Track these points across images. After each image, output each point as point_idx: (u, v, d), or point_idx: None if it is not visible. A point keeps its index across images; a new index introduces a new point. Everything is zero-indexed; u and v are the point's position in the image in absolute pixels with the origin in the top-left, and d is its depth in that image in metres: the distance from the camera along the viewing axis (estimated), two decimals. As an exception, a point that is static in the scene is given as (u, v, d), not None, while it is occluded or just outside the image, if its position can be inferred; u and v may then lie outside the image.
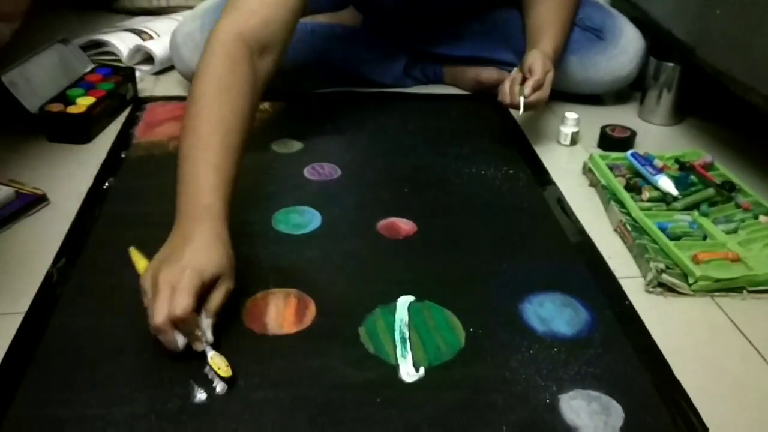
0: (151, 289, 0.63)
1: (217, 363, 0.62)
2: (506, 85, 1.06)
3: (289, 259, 0.80)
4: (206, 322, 0.64)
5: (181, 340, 0.62)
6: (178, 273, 0.62)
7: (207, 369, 0.63)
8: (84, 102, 1.10)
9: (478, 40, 1.28)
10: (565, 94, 1.28)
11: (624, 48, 1.22)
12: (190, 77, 1.24)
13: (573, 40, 1.21)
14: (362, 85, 1.31)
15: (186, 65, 1.23)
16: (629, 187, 0.94)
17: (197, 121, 0.75)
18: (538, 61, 1.04)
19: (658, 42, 1.22)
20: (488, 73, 1.29)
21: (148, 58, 1.38)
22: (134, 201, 0.91)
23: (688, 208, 0.90)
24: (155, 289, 0.62)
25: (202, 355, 0.63)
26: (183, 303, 0.61)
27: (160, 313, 0.60)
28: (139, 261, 0.72)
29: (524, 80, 1.04)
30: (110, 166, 1.01)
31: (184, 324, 0.61)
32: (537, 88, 1.03)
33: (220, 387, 0.61)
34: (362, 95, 1.29)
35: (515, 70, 1.09)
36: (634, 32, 1.23)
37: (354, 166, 1.03)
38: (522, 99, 1.02)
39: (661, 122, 1.23)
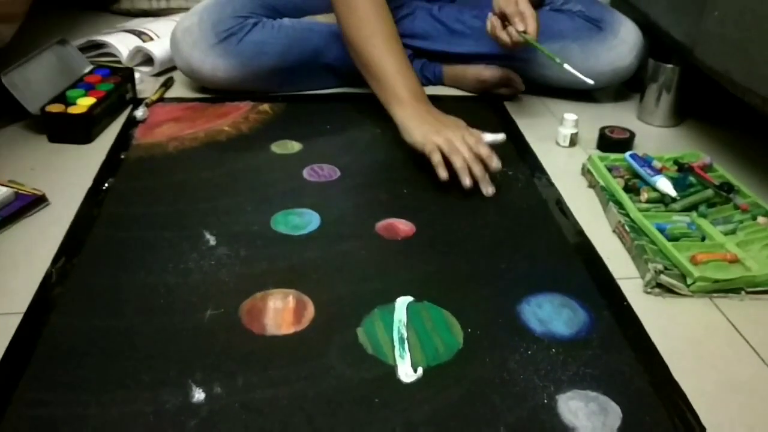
0: (449, 148, 0.93)
1: None
2: (498, 33, 1.09)
3: (288, 260, 0.80)
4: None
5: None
6: (465, 133, 0.97)
7: None
8: (84, 102, 1.10)
9: (478, 36, 1.28)
10: (566, 90, 1.28)
11: (624, 38, 1.24)
12: (189, 72, 1.24)
13: (574, 29, 1.24)
14: (361, 85, 1.31)
15: (185, 60, 1.23)
16: (628, 188, 0.95)
17: (372, 28, 1.05)
18: None
19: (657, 43, 1.22)
20: (491, 72, 1.29)
21: (148, 60, 1.38)
22: (134, 202, 0.92)
23: (687, 210, 0.90)
24: (453, 147, 0.94)
25: (200, 353, 0.64)
26: (487, 150, 0.95)
27: (477, 164, 0.94)
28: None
29: (505, 24, 1.10)
30: (110, 166, 1.01)
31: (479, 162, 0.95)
32: (521, 17, 1.07)
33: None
34: (362, 96, 1.29)
35: (489, 15, 1.12)
36: (632, 25, 1.26)
37: (353, 167, 1.03)
38: (517, 34, 1.07)
39: (660, 123, 1.23)
